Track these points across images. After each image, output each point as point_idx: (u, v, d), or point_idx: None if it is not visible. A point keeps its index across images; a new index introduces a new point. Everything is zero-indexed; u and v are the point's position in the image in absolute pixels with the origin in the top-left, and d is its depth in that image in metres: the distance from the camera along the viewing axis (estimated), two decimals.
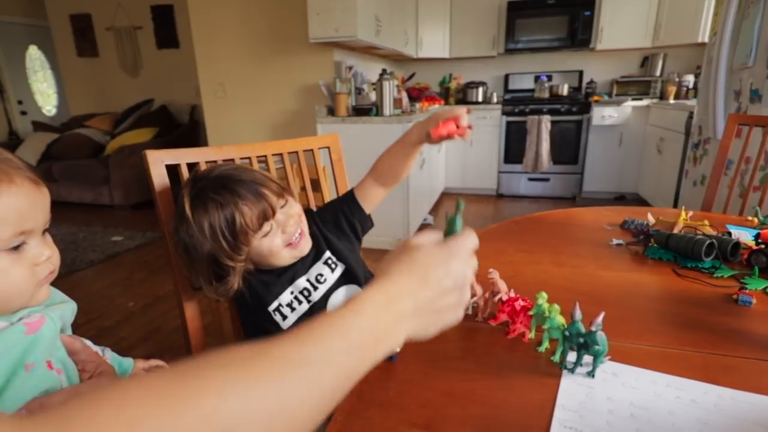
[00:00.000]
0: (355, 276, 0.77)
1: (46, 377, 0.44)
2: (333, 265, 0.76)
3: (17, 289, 0.43)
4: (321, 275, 0.75)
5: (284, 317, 0.72)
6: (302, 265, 0.74)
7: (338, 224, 0.82)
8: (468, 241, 0.44)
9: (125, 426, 0.21)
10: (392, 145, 0.80)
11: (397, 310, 0.37)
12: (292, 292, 0.73)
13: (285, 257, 0.71)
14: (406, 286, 0.38)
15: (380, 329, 0.35)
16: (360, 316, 0.35)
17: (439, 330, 0.41)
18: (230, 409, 0.24)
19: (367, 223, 0.84)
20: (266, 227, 0.68)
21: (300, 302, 0.72)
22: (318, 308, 0.73)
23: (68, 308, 0.51)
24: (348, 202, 0.83)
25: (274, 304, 0.72)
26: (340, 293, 0.75)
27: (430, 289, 0.39)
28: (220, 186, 0.66)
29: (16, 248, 0.43)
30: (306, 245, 0.73)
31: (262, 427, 0.26)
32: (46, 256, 0.45)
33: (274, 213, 0.68)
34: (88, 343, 0.55)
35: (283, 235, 0.69)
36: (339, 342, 0.32)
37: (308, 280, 0.74)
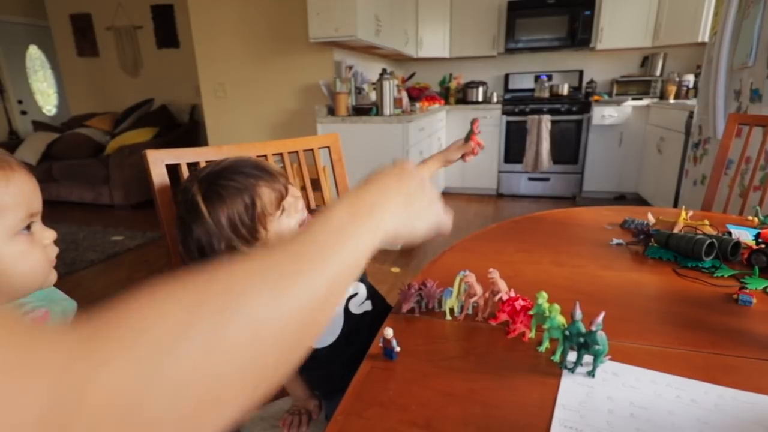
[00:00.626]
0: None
1: None
2: None
3: (38, 270, 0.46)
4: None
5: None
6: None
7: None
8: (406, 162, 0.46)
9: (173, 329, 0.21)
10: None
11: (368, 200, 0.37)
12: None
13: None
14: (365, 191, 0.38)
15: (360, 211, 0.35)
16: (340, 203, 0.35)
17: (429, 226, 0.42)
18: (275, 308, 0.25)
19: None
20: (282, 208, 0.67)
21: None
22: None
23: (69, 304, 0.53)
24: None
25: None
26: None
27: (391, 187, 0.40)
28: (232, 172, 0.65)
29: (28, 229, 0.45)
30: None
31: (300, 323, 0.27)
32: (52, 237, 0.48)
33: (287, 192, 0.68)
34: None
35: (296, 216, 0.69)
36: (327, 234, 0.32)
37: None
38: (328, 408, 0.80)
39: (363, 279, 0.79)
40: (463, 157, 0.96)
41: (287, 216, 0.68)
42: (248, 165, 0.67)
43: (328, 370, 0.76)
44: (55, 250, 0.49)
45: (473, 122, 0.94)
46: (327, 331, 0.75)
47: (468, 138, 0.94)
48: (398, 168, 0.43)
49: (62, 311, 0.49)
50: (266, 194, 0.65)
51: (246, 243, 0.65)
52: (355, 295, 0.77)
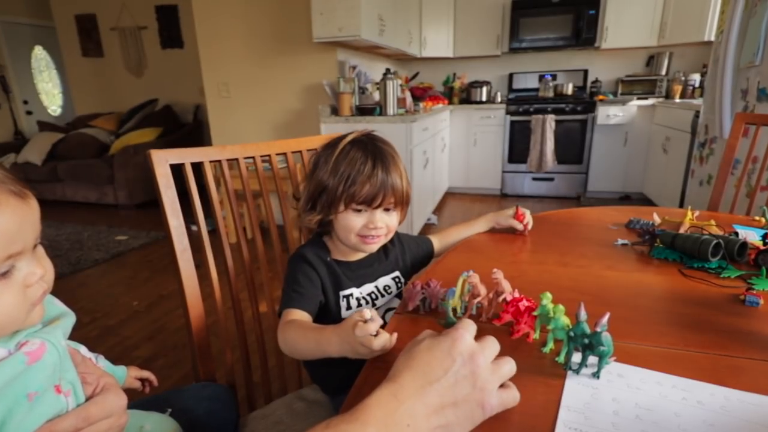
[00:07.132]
0: None
1: (52, 404, 0.42)
2: (399, 284, 0.82)
3: (7, 316, 0.39)
4: (388, 287, 0.81)
5: (349, 307, 0.76)
6: (372, 275, 0.79)
7: (417, 258, 0.89)
8: (469, 327, 0.45)
9: None
10: (464, 225, 0.99)
11: (406, 413, 0.37)
12: (360, 293, 0.78)
13: (350, 241, 0.74)
14: (410, 383, 0.39)
15: None
16: (369, 426, 0.35)
17: (471, 427, 0.40)
18: None
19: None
20: (361, 208, 0.72)
21: (367, 302, 0.78)
22: (378, 312, 0.76)
23: (68, 322, 0.47)
24: (429, 249, 0.93)
25: (346, 292, 0.77)
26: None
27: (436, 379, 0.39)
28: (378, 154, 0.71)
29: (4, 273, 0.38)
30: (372, 248, 0.76)
31: None
32: (38, 275, 0.41)
33: (377, 207, 0.72)
34: (83, 350, 0.54)
35: (363, 225, 0.72)
36: None
37: (376, 287, 0.79)
38: (335, 404, 0.81)
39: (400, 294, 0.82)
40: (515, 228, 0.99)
41: (357, 216, 0.72)
42: (386, 166, 0.71)
43: (347, 370, 0.76)
44: (41, 288, 0.42)
45: (516, 210, 0.98)
46: None
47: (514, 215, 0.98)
48: (448, 344, 0.42)
49: (62, 335, 0.45)
50: (365, 189, 0.69)
51: (329, 197, 0.71)
52: (394, 309, 0.80)
